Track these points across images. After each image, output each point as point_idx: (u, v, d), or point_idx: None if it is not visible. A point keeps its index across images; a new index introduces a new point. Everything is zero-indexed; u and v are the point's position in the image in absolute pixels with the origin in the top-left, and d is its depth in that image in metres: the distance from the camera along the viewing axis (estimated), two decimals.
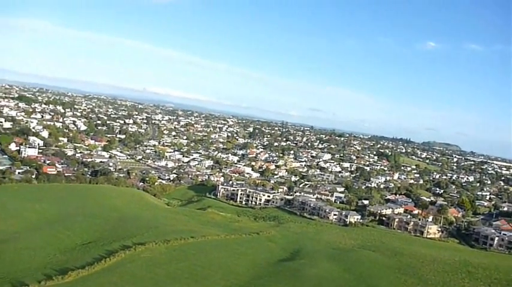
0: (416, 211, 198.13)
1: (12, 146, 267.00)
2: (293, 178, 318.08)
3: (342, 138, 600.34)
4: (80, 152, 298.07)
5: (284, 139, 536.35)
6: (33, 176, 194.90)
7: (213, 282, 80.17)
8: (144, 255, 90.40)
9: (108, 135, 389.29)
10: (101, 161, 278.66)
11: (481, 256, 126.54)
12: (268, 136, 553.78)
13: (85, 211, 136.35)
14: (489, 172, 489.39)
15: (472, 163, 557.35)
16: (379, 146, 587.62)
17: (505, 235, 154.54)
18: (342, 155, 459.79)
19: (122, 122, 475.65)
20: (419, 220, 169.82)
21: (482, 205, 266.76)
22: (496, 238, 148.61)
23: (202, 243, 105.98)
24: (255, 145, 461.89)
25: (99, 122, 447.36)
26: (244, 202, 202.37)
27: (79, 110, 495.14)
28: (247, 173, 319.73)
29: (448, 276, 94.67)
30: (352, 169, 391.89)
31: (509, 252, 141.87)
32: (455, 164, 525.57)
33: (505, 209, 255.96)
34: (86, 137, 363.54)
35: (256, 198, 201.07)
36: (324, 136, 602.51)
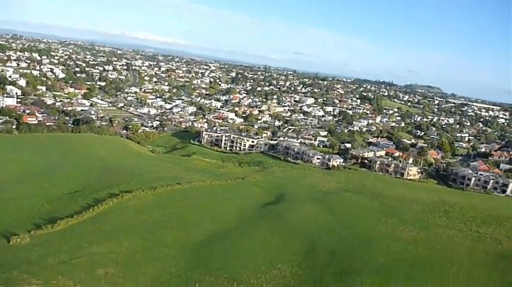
0: (397, 154, 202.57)
1: None
2: (276, 123, 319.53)
3: (325, 82, 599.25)
4: (60, 101, 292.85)
5: (267, 84, 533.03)
6: (14, 127, 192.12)
7: (200, 227, 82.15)
8: (131, 203, 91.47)
9: (88, 83, 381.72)
10: (82, 110, 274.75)
11: (458, 196, 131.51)
12: (251, 81, 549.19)
13: (69, 160, 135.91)
14: (469, 113, 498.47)
15: (453, 105, 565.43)
16: (362, 89, 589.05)
17: (482, 175, 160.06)
18: (325, 99, 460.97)
19: (101, 68, 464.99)
20: (400, 162, 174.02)
21: (461, 146, 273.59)
22: (473, 178, 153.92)
23: (188, 189, 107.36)
24: (238, 90, 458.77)
25: (77, 69, 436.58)
26: (228, 148, 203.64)
27: (56, 57, 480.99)
28: (231, 119, 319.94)
29: (426, 215, 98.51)
30: (335, 113, 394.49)
31: (485, 191, 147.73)
32: (436, 107, 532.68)
33: (483, 150, 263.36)
34: (65, 85, 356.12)
35: (241, 144, 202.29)
36: (307, 80, 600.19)
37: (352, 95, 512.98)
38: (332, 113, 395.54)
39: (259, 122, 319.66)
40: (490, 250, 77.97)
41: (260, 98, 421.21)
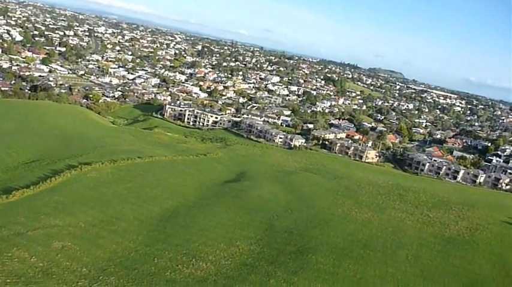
0: (357, 137, 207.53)
1: None
2: (241, 100, 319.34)
3: (291, 61, 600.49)
4: (17, 65, 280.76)
5: (233, 59, 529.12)
6: None
7: (159, 202, 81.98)
8: (90, 175, 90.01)
9: (47, 48, 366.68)
10: (40, 76, 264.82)
11: (412, 180, 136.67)
12: (217, 55, 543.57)
13: (26, 128, 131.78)
14: (428, 100, 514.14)
15: (413, 91, 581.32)
16: (327, 70, 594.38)
17: (435, 161, 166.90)
18: (290, 78, 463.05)
19: (62, 33, 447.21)
20: (360, 145, 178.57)
21: (418, 132, 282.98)
22: (427, 164, 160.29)
23: (149, 164, 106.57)
24: (203, 64, 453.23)
25: (36, 32, 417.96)
26: (191, 123, 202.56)
27: (13, 19, 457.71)
28: (195, 93, 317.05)
29: (381, 198, 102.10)
30: (300, 93, 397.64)
31: (437, 177, 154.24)
32: (397, 92, 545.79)
33: (438, 136, 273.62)
34: (22, 48, 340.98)
35: (204, 119, 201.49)
36: (273, 58, 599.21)
37: (317, 76, 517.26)
38: (296, 92, 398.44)
39: (223, 98, 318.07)
40: (438, 233, 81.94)
41: (225, 74, 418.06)
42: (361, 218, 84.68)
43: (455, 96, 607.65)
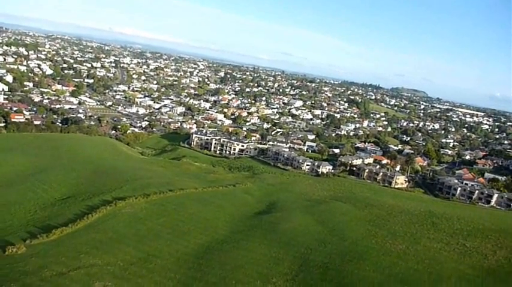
0: (385, 161, 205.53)
1: None
2: (265, 125, 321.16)
3: (313, 84, 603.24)
4: (48, 98, 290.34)
5: (256, 85, 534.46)
6: (1, 125, 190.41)
7: (193, 237, 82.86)
8: (125, 210, 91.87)
9: (76, 80, 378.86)
10: (70, 108, 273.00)
11: (444, 206, 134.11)
12: (240, 81, 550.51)
13: (59, 162, 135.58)
14: (454, 119, 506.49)
15: (438, 110, 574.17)
16: (349, 92, 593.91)
17: (467, 184, 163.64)
18: (313, 102, 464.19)
19: (89, 65, 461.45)
20: (388, 170, 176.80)
21: (446, 153, 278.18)
22: (459, 188, 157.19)
23: (180, 197, 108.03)
24: (226, 91, 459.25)
25: (65, 65, 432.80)
26: (218, 152, 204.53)
27: (43, 52, 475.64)
28: (220, 120, 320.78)
29: (414, 227, 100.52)
30: (323, 116, 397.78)
31: (470, 202, 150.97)
32: (422, 112, 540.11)
33: (467, 157, 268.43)
34: (52, 81, 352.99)
35: (230, 147, 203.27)
36: (295, 82, 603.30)
37: (339, 99, 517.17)
38: (320, 116, 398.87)
39: (247, 124, 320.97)
40: (477, 264, 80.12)
41: (249, 100, 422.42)
42: (396, 250, 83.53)
43: (482, 113, 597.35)
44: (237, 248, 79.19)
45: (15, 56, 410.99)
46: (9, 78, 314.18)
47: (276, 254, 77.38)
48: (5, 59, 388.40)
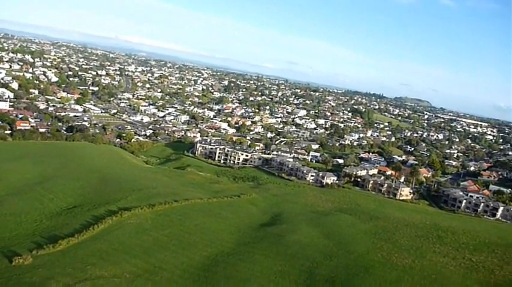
0: (389, 172, 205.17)
1: None
2: (269, 135, 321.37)
3: (317, 94, 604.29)
4: (53, 105, 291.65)
5: (259, 93, 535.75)
6: (7, 132, 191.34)
7: (199, 249, 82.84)
8: (130, 221, 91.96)
9: (81, 88, 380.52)
10: (75, 116, 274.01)
11: (450, 219, 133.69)
12: (244, 90, 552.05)
13: (65, 171, 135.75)
14: (457, 129, 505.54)
15: (442, 120, 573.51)
16: (353, 102, 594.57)
17: (472, 196, 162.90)
18: (317, 111, 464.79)
19: (94, 73, 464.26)
20: (393, 181, 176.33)
21: (451, 164, 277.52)
22: (464, 201, 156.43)
23: (185, 207, 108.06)
24: (230, 99, 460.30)
25: (70, 73, 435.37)
26: (222, 161, 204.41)
27: (49, 60, 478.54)
28: (224, 129, 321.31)
29: (420, 241, 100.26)
30: (327, 126, 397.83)
31: (475, 214, 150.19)
32: (425, 121, 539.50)
33: (472, 168, 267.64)
34: (57, 89, 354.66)
35: (235, 157, 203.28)
36: (299, 91, 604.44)
37: (343, 108, 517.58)
38: (324, 125, 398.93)
39: (251, 133, 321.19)
40: (483, 280, 79.84)
41: (253, 109, 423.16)
42: (401, 264, 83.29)
43: (486, 124, 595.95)
44: (243, 260, 79.11)
45: (21, 63, 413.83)
46: (14, 85, 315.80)
47: (282, 268, 77.29)
48: (11, 66, 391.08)
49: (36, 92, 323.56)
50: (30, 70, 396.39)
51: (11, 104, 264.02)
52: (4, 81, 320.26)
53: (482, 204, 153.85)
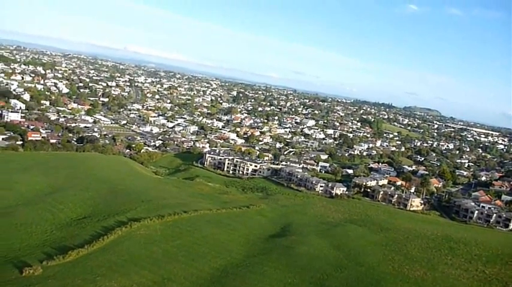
0: (399, 182, 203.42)
1: None
2: (278, 145, 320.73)
3: (326, 103, 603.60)
4: (64, 117, 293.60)
5: (268, 104, 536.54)
6: (19, 143, 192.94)
7: (208, 261, 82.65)
8: (140, 232, 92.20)
9: (91, 99, 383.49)
10: (85, 126, 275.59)
11: (462, 230, 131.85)
12: (252, 100, 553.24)
13: (75, 182, 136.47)
14: (468, 139, 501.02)
15: (452, 129, 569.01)
16: (362, 112, 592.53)
17: (484, 207, 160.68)
18: (325, 121, 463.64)
19: (105, 84, 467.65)
20: (403, 192, 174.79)
21: (461, 174, 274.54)
22: (476, 211, 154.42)
23: (195, 218, 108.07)
24: (239, 110, 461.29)
25: (81, 84, 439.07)
26: (231, 172, 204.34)
27: (60, 71, 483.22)
28: (232, 140, 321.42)
29: (432, 252, 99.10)
30: (336, 136, 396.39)
31: (487, 225, 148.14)
32: (435, 131, 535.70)
33: (483, 178, 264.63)
34: (68, 100, 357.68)
35: (244, 168, 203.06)
36: (307, 101, 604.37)
37: (352, 118, 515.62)
38: (333, 135, 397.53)
39: (260, 143, 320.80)
40: None
41: (261, 119, 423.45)
42: (413, 277, 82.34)
43: (497, 133, 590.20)
44: (252, 272, 78.68)
45: (33, 75, 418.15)
46: (26, 96, 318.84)
47: (292, 280, 76.76)
48: (23, 78, 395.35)
49: (48, 103, 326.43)
50: (42, 82, 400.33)
51: (23, 115, 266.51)
52: (16, 92, 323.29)
53: (494, 215, 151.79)
